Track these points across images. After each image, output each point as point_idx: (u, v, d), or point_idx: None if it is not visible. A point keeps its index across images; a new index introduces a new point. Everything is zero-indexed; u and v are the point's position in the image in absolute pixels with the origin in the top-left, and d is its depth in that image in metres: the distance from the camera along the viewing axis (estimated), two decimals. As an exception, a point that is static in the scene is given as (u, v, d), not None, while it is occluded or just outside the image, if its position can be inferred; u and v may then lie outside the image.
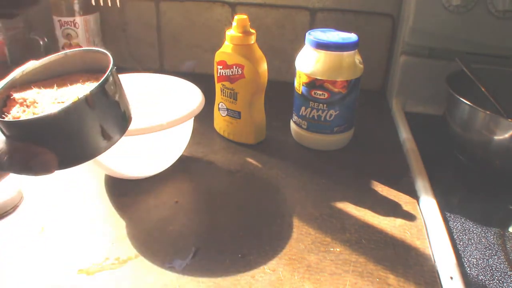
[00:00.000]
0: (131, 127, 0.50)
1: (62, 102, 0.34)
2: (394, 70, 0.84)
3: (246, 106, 0.65)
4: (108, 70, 0.33)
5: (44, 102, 0.34)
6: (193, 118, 0.56)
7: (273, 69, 0.67)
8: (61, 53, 0.38)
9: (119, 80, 0.36)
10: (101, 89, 0.32)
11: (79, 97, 0.31)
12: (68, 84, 0.37)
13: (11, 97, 0.35)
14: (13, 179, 0.53)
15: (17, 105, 0.34)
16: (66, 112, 0.31)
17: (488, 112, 0.58)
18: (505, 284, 0.44)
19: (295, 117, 0.67)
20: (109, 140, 0.34)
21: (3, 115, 0.34)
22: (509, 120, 0.57)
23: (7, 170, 0.30)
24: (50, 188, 0.56)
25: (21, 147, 0.30)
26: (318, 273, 0.44)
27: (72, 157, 0.33)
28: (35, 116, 0.31)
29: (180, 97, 0.60)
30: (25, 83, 0.37)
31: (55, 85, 0.37)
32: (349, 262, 0.46)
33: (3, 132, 0.32)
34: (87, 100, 0.31)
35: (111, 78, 0.34)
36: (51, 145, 0.31)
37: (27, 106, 0.34)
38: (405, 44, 0.79)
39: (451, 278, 0.43)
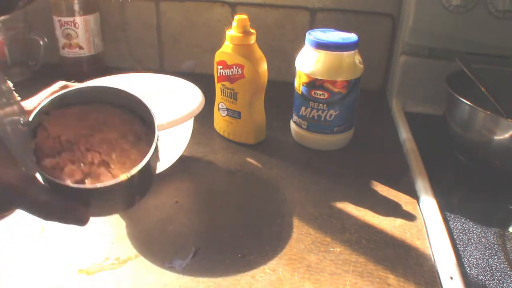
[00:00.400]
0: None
1: (97, 152, 0.36)
2: (394, 70, 0.84)
3: (246, 106, 0.65)
4: (153, 144, 0.36)
5: (78, 142, 0.36)
6: (193, 118, 0.56)
7: (273, 69, 0.67)
8: (97, 85, 0.39)
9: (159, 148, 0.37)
10: (147, 166, 0.35)
11: (123, 177, 0.34)
12: (104, 129, 0.38)
13: (45, 129, 0.36)
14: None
15: (50, 143, 0.36)
16: (108, 188, 0.33)
17: (488, 112, 0.58)
18: (505, 284, 0.44)
19: (295, 117, 0.67)
20: (138, 202, 0.38)
21: (36, 149, 0.35)
22: (509, 120, 0.57)
23: (41, 217, 0.32)
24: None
25: (60, 202, 0.33)
26: (318, 273, 0.44)
27: (102, 213, 0.39)
28: (78, 186, 0.34)
29: (180, 97, 0.60)
30: (57, 107, 0.38)
31: (90, 119, 0.38)
32: (349, 262, 0.46)
33: (43, 179, 0.34)
34: (130, 178, 0.34)
35: (153, 154, 0.36)
36: (87, 204, 0.34)
37: (61, 144, 0.36)
38: (405, 44, 0.79)
39: (451, 278, 0.43)
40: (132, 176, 0.34)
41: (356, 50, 0.62)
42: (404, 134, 0.70)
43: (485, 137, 0.59)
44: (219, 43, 0.64)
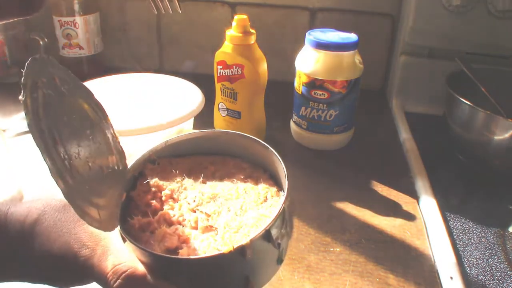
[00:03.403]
0: (131, 127, 0.50)
1: (204, 214, 0.28)
2: (394, 70, 0.84)
3: (246, 106, 0.65)
4: (281, 209, 0.27)
5: (182, 200, 0.29)
6: (193, 118, 0.56)
7: (273, 69, 0.67)
8: (213, 130, 0.33)
9: (289, 214, 0.29)
10: (266, 235, 0.26)
11: (235, 247, 0.25)
12: (218, 179, 0.31)
13: (146, 181, 0.30)
14: (12, 178, 0.53)
15: (149, 197, 0.30)
16: (213, 261, 0.26)
17: (488, 112, 0.58)
18: (505, 284, 0.44)
19: (295, 117, 0.67)
20: None
21: (131, 203, 0.29)
22: (509, 120, 0.56)
23: None
24: (51, 187, 0.56)
25: (143, 280, 0.27)
26: (318, 273, 0.44)
27: None
28: (177, 257, 0.26)
29: (180, 97, 0.60)
30: (166, 156, 0.32)
31: (202, 176, 0.31)
32: (349, 262, 0.46)
33: (125, 242, 0.28)
34: (244, 250, 0.25)
35: (279, 219, 0.27)
36: (179, 285, 0.27)
37: (161, 200, 0.30)
38: (405, 44, 0.79)
39: (451, 278, 0.43)
40: (241, 250, 0.25)
41: (356, 50, 0.62)
42: (404, 134, 0.70)
43: (485, 137, 0.59)
44: (219, 43, 0.64)
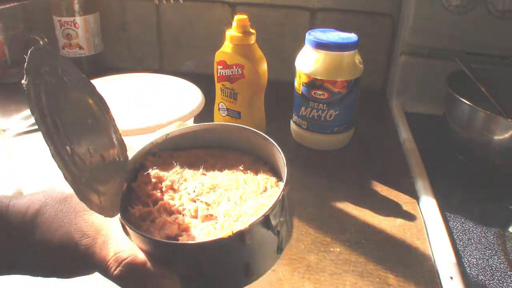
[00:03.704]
0: (131, 127, 0.50)
1: (204, 204, 0.29)
2: (394, 70, 0.84)
3: (246, 106, 0.65)
4: (280, 196, 0.28)
5: (182, 191, 0.30)
6: (193, 118, 0.56)
7: (273, 69, 0.67)
8: (214, 123, 0.34)
9: (288, 202, 0.30)
10: (265, 221, 0.27)
11: (234, 232, 0.25)
12: (217, 169, 0.32)
13: (146, 172, 0.31)
14: (12, 177, 0.53)
15: (149, 187, 0.31)
16: (212, 246, 0.26)
17: (488, 112, 0.58)
18: (505, 284, 0.44)
19: (295, 117, 0.67)
20: (251, 277, 0.28)
21: (132, 194, 0.30)
22: (509, 120, 0.56)
23: (114, 281, 0.27)
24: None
25: (143, 267, 0.27)
26: (318, 273, 0.44)
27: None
28: (173, 242, 0.27)
29: (180, 97, 0.60)
30: (167, 149, 0.33)
31: (202, 167, 0.32)
32: (349, 262, 0.46)
33: (125, 231, 0.28)
34: (243, 236, 0.26)
35: (278, 206, 0.27)
36: (179, 272, 0.27)
37: (161, 191, 0.30)
38: (405, 44, 0.79)
39: (451, 278, 0.43)
40: (240, 235, 0.25)
41: (356, 50, 0.62)
42: (404, 134, 0.70)
43: (485, 137, 0.59)
44: (219, 43, 0.64)
